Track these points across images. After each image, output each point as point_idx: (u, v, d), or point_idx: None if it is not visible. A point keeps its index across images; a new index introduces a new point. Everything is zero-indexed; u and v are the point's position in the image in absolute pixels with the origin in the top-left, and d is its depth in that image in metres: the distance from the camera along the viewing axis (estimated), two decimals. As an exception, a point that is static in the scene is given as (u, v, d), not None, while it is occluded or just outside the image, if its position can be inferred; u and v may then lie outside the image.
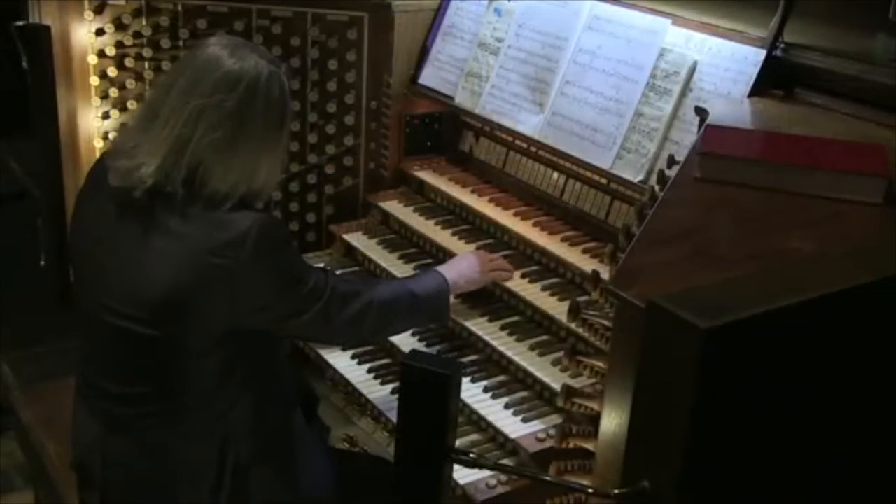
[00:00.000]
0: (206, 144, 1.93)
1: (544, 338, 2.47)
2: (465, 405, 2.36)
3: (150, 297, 1.95)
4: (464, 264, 2.51)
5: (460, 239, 2.78)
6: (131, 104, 3.06)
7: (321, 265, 2.70)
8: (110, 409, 2.10)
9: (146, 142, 1.96)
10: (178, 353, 2.01)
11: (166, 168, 1.94)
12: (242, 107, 1.94)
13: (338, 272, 2.80)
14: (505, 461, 2.25)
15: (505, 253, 2.67)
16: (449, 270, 2.45)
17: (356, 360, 2.68)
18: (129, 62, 3.04)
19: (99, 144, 3.10)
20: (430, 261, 2.78)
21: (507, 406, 2.36)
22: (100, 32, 3.00)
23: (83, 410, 2.18)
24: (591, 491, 1.40)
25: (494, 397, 2.39)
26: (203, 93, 1.93)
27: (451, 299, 2.46)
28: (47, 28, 2.90)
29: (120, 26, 3.01)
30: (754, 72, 2.28)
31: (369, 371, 2.65)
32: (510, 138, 2.87)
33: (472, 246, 2.72)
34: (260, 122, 1.98)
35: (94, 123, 3.09)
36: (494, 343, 2.46)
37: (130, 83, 3.05)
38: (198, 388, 2.04)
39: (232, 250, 1.92)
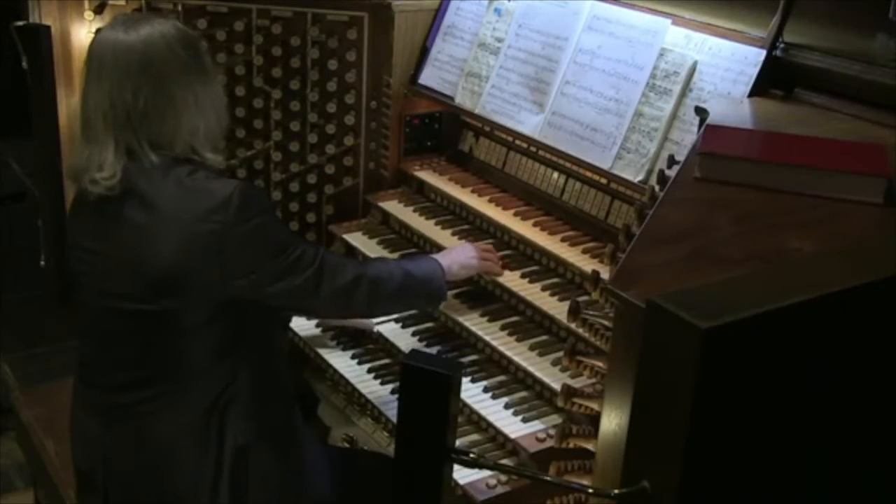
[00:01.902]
0: (143, 107, 1.99)
1: (544, 338, 2.47)
2: (465, 405, 2.36)
3: (144, 270, 2.00)
4: (457, 250, 2.56)
5: (460, 239, 2.77)
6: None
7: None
8: (108, 403, 2.12)
9: (95, 145, 2.02)
10: (174, 328, 2.04)
11: (125, 149, 2.00)
12: (149, 59, 2.00)
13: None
14: (505, 461, 2.25)
15: (505, 253, 2.67)
16: (443, 258, 2.50)
17: (356, 360, 2.69)
18: (129, 62, 3.03)
19: (99, 144, 3.10)
20: (430, 261, 2.78)
21: (507, 406, 2.36)
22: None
23: (82, 415, 2.20)
24: (591, 491, 1.40)
25: (494, 397, 2.40)
26: (111, 71, 2.00)
27: (449, 288, 2.48)
28: (47, 28, 2.91)
29: (120, 26, 3.01)
30: (754, 72, 2.28)
31: (369, 371, 2.65)
32: (510, 138, 2.87)
33: (472, 246, 2.72)
34: (176, 61, 2.03)
35: (94, 123, 3.08)
36: (494, 343, 2.46)
37: (130, 83, 3.04)
38: (194, 366, 2.07)
39: (217, 215, 1.98)
